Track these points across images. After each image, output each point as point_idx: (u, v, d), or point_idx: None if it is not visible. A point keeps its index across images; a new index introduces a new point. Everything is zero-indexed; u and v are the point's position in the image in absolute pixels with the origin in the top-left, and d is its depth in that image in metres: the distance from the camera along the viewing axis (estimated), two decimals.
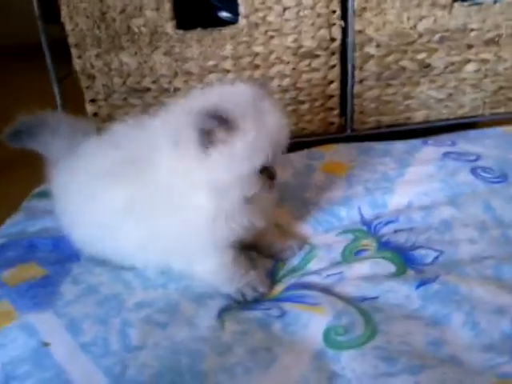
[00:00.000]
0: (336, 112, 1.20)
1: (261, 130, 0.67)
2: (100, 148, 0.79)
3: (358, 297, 0.71)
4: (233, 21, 1.15)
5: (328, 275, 0.76)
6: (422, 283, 0.71)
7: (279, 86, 1.15)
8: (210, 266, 0.74)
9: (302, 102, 1.17)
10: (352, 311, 0.67)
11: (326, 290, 0.73)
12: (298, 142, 1.18)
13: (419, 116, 1.23)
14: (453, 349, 0.60)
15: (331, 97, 1.18)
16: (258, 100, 0.70)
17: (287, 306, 0.70)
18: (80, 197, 0.77)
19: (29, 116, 0.87)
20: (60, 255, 0.80)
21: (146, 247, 0.73)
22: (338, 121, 1.21)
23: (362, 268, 0.77)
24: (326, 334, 0.64)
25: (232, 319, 0.68)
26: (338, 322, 0.65)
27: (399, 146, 1.10)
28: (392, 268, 0.77)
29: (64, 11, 1.04)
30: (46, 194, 1.03)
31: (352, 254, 0.81)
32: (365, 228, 0.86)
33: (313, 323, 0.66)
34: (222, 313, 0.70)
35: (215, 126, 0.64)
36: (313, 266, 0.79)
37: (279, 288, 0.75)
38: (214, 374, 0.57)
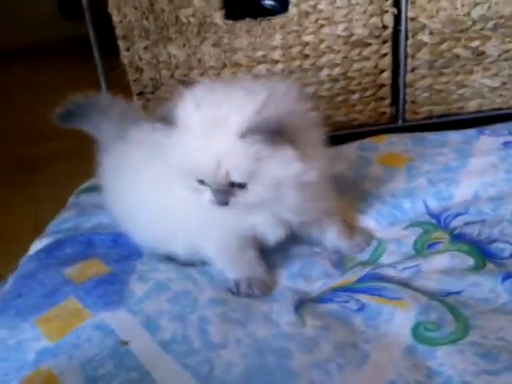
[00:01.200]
0: (387, 102, 1.16)
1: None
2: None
3: (441, 291, 0.67)
4: (277, 9, 1.12)
5: (404, 268, 0.73)
6: (506, 277, 0.67)
7: (329, 75, 1.12)
8: (212, 247, 0.74)
9: (353, 92, 1.14)
10: (438, 306, 0.64)
11: (404, 284, 0.70)
12: (349, 133, 1.15)
13: (472, 105, 1.19)
14: None
15: (382, 86, 1.14)
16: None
17: (364, 298, 0.67)
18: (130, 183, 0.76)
19: (80, 97, 0.86)
20: (121, 252, 0.78)
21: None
22: (390, 111, 1.18)
23: (440, 261, 0.73)
24: (415, 330, 0.61)
25: (310, 313, 0.65)
26: (426, 317, 0.62)
27: (454, 136, 1.06)
28: (471, 261, 0.73)
29: (111, 2, 1.02)
30: (93, 189, 1.01)
31: (425, 247, 0.78)
32: (433, 221, 0.83)
33: (397, 318, 0.63)
34: (298, 307, 0.67)
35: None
36: (385, 259, 0.76)
37: (351, 278, 0.72)
38: (306, 372, 0.54)
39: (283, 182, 0.65)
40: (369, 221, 0.87)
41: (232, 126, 0.61)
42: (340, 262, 0.78)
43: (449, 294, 0.67)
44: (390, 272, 0.73)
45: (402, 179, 0.94)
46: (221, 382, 0.55)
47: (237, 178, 0.63)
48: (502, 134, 1.04)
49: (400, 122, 1.18)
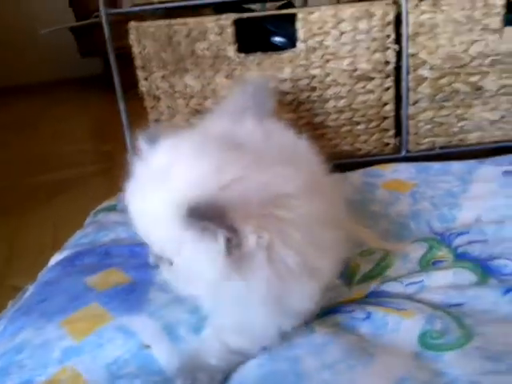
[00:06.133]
0: (391, 133, 1.21)
1: None
2: None
3: (444, 303, 0.70)
4: (286, 46, 1.19)
5: (408, 283, 0.75)
6: (509, 290, 0.70)
7: (335, 106, 1.18)
8: None
9: (358, 123, 1.19)
10: (442, 315, 0.66)
11: (409, 298, 0.73)
12: (355, 162, 1.20)
13: (473, 137, 1.24)
14: None
15: (386, 118, 1.20)
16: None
17: (371, 308, 0.69)
18: None
19: None
20: (139, 261, 0.81)
21: None
22: (393, 141, 1.22)
23: (443, 277, 0.76)
24: (422, 338, 0.63)
25: (319, 323, 0.68)
26: (432, 326, 0.64)
27: (457, 165, 1.11)
28: (474, 277, 0.76)
29: (133, 35, 1.09)
30: (111, 208, 1.05)
31: (429, 264, 0.81)
32: (438, 237, 0.86)
33: (404, 328, 0.65)
34: (308, 320, 0.69)
35: None
36: (391, 273, 0.79)
37: (360, 293, 0.75)
38: (317, 372, 0.57)
39: (203, 279, 0.52)
40: (375, 236, 0.90)
41: (170, 197, 0.51)
42: (344, 271, 0.79)
43: (451, 305, 0.69)
44: (397, 287, 0.75)
45: (407, 203, 0.98)
46: None
47: (157, 250, 0.56)
48: (503, 164, 1.09)
49: (404, 152, 1.22)
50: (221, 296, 0.55)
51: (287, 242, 0.52)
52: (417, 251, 0.83)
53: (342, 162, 1.20)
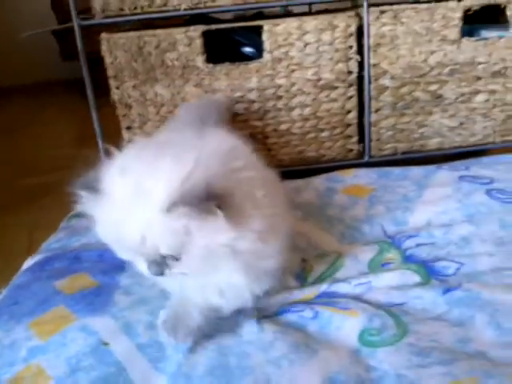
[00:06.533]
0: (354, 139, 1.27)
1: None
2: None
3: (387, 303, 0.76)
4: (254, 55, 1.25)
5: (357, 284, 0.81)
6: (446, 290, 0.76)
7: (300, 115, 1.23)
8: None
9: (322, 130, 1.25)
10: (382, 314, 0.72)
11: (356, 298, 0.78)
12: (320, 168, 1.26)
13: (433, 143, 1.30)
14: (480, 345, 0.65)
15: (349, 125, 1.25)
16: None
17: (319, 307, 0.75)
18: None
19: None
20: (106, 266, 0.85)
21: None
22: (357, 148, 1.28)
23: (389, 278, 0.81)
24: (361, 336, 0.68)
25: (270, 322, 0.73)
26: (371, 324, 0.70)
27: (416, 170, 1.17)
28: (417, 278, 0.81)
29: (104, 46, 1.13)
30: (84, 214, 1.10)
31: (378, 266, 0.86)
32: (389, 240, 0.92)
33: (347, 326, 0.71)
34: (260, 319, 0.75)
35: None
36: (341, 274, 0.84)
37: (311, 294, 0.80)
38: (261, 367, 0.62)
39: (216, 251, 0.60)
40: (331, 239, 0.96)
41: (156, 199, 0.57)
42: (300, 273, 0.85)
43: (394, 305, 0.75)
44: (345, 288, 0.81)
45: (364, 207, 1.04)
46: (187, 376, 0.62)
47: (166, 251, 0.59)
48: (460, 169, 1.15)
49: (367, 157, 1.28)
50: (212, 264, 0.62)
51: (254, 202, 0.63)
52: (367, 253, 0.89)
53: (308, 168, 1.26)
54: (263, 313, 0.77)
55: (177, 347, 0.67)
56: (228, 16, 1.40)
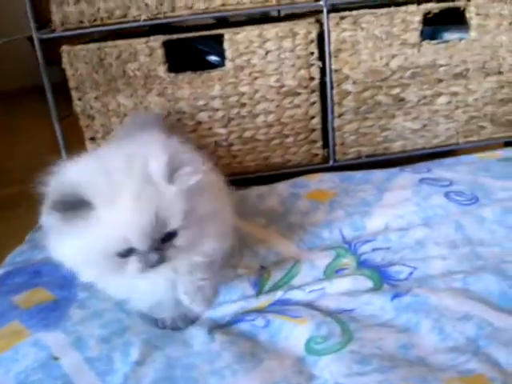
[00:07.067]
0: (319, 144, 1.29)
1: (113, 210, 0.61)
2: None
3: (337, 309, 0.77)
4: (219, 64, 1.26)
5: (310, 291, 0.82)
6: (395, 296, 0.78)
7: (265, 121, 1.24)
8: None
9: (287, 136, 1.26)
10: (330, 321, 0.73)
11: (308, 305, 0.80)
12: (285, 173, 1.27)
13: (396, 146, 1.32)
14: (421, 351, 0.67)
15: (313, 130, 1.27)
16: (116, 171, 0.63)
17: (271, 316, 0.76)
18: None
19: None
20: (64, 280, 0.86)
21: None
22: (322, 152, 1.30)
23: (343, 284, 0.83)
24: (307, 344, 0.70)
25: (221, 332, 0.74)
26: (318, 332, 0.71)
27: (378, 174, 1.18)
28: (370, 284, 0.83)
29: (65, 58, 1.14)
30: None
31: (333, 272, 0.88)
32: (346, 246, 0.93)
33: (295, 334, 0.72)
34: (212, 329, 0.76)
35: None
36: (297, 281, 0.86)
37: (265, 302, 0.81)
38: (204, 378, 0.63)
39: (207, 218, 0.67)
40: (291, 245, 0.97)
41: (155, 176, 0.62)
42: (258, 281, 0.86)
43: (344, 311, 0.77)
44: (299, 295, 0.82)
45: (324, 212, 1.05)
46: None
47: (173, 224, 0.63)
48: (421, 172, 1.17)
49: (331, 162, 1.30)
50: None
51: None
52: (324, 259, 0.90)
53: (273, 174, 1.27)
54: (218, 322, 0.78)
55: (125, 360, 0.68)
56: (193, 24, 1.41)
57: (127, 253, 0.63)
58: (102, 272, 0.67)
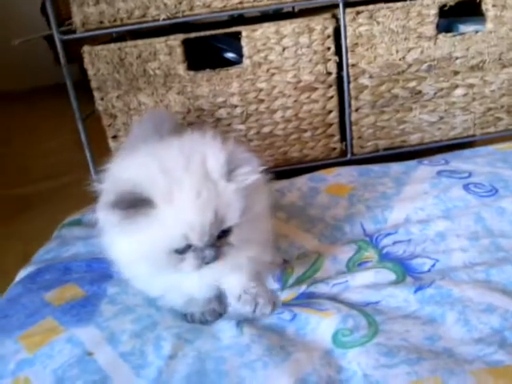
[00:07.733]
0: (336, 138, 1.30)
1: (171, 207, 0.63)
2: None
3: (362, 302, 0.79)
4: (237, 61, 1.27)
5: (334, 284, 0.84)
6: (419, 288, 0.79)
7: (282, 117, 1.26)
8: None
9: (305, 131, 1.28)
10: (356, 314, 0.75)
11: (333, 298, 0.81)
12: (304, 168, 1.28)
13: (414, 139, 1.33)
14: (447, 342, 0.68)
15: (331, 125, 1.28)
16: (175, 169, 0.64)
17: (297, 309, 0.78)
18: None
19: None
20: (94, 275, 0.89)
21: None
22: (339, 146, 1.31)
23: (366, 277, 0.84)
24: (334, 336, 0.72)
25: (249, 325, 0.76)
26: (344, 325, 0.73)
27: (396, 167, 1.19)
28: (392, 276, 0.84)
29: (87, 58, 1.16)
30: (75, 223, 1.13)
31: (355, 265, 0.89)
32: (367, 239, 0.95)
33: (322, 327, 0.74)
34: (240, 322, 0.78)
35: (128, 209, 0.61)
36: (320, 275, 0.87)
37: (290, 296, 0.83)
38: (236, 370, 0.65)
39: (259, 217, 0.70)
40: (313, 240, 0.99)
41: (214, 174, 0.64)
42: (281, 275, 0.88)
43: (368, 304, 0.78)
44: (323, 288, 0.84)
45: (344, 206, 1.06)
46: (166, 383, 0.66)
47: (231, 221, 0.65)
48: (439, 164, 1.17)
49: (349, 155, 1.31)
50: None
51: None
52: (346, 253, 0.92)
53: (293, 168, 1.29)
54: (245, 316, 0.80)
55: (158, 354, 0.70)
56: (208, 21, 1.42)
57: (184, 249, 0.65)
58: (157, 269, 0.68)
